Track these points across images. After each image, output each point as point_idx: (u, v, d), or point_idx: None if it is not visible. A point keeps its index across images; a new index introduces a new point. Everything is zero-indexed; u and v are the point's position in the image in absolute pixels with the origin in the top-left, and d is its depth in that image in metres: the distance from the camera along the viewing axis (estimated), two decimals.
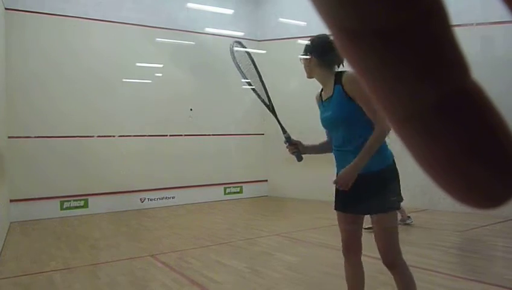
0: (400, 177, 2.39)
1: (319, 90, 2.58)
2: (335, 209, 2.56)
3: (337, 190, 2.45)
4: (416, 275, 3.82)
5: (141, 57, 10.56)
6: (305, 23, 10.59)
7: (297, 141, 2.49)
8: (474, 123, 0.20)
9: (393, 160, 2.38)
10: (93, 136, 9.78)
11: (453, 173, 0.20)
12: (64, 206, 9.30)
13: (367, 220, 2.71)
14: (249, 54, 2.79)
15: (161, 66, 10.86)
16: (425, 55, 0.19)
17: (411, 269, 4.05)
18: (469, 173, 0.20)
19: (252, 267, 4.37)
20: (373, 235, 2.49)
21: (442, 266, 4.14)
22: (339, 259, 4.56)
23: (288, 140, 2.49)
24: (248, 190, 11.81)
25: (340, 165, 2.40)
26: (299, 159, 2.51)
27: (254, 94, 2.82)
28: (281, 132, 2.57)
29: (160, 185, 10.40)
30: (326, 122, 2.47)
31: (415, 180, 8.03)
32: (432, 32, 0.19)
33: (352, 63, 0.20)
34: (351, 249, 2.65)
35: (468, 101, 0.20)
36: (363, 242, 2.66)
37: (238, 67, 2.72)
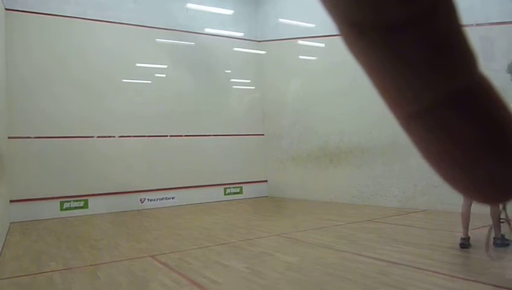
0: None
1: None
2: None
3: None
4: (416, 275, 3.83)
5: (141, 57, 10.56)
6: (305, 23, 10.59)
7: None
8: (486, 117, 0.20)
9: None
10: (93, 136, 9.78)
11: (463, 166, 0.20)
12: (64, 207, 9.30)
13: None
14: None
15: (161, 66, 10.86)
16: (435, 49, 0.19)
17: (411, 269, 4.06)
18: (479, 166, 0.20)
19: (252, 268, 4.37)
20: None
21: (442, 266, 4.13)
22: (339, 259, 4.57)
23: None
24: (248, 190, 11.81)
25: None
26: None
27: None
28: None
29: (160, 185, 10.40)
30: None
31: (414, 181, 8.06)
32: (441, 26, 0.19)
33: (360, 59, 0.20)
34: None
35: (479, 95, 0.20)
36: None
37: None
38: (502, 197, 0.20)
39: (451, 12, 0.19)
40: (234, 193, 11.65)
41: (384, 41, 0.19)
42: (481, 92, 0.20)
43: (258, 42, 12.29)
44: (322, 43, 10.22)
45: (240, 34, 12.01)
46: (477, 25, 6.52)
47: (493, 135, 0.20)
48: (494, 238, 4.75)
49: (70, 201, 9.37)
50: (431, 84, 0.20)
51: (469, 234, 4.85)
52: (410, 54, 0.19)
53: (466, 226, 4.85)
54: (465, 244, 4.84)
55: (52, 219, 8.85)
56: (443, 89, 0.20)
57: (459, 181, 0.21)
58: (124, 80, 10.29)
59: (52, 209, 9.06)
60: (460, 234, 5.24)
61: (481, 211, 6.27)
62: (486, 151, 0.20)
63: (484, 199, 0.21)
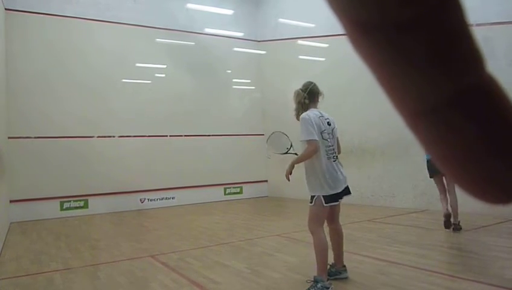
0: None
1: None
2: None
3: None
4: (416, 275, 3.83)
5: (141, 57, 10.56)
6: (305, 23, 10.58)
7: None
8: (493, 116, 0.20)
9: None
10: (93, 136, 9.78)
11: (470, 165, 0.20)
12: (64, 207, 9.30)
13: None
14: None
15: (161, 66, 10.86)
16: (441, 48, 0.19)
17: (411, 269, 4.06)
18: (487, 166, 0.20)
19: (252, 268, 4.37)
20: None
21: (442, 266, 4.14)
22: None
23: None
24: (248, 190, 11.81)
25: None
26: None
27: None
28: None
29: (160, 185, 10.40)
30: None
31: (414, 181, 8.05)
32: (447, 25, 0.19)
33: (365, 57, 0.20)
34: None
35: (485, 94, 0.20)
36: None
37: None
38: (507, 198, 0.20)
39: (457, 10, 0.19)
40: (234, 193, 11.65)
41: (389, 41, 0.19)
42: (488, 91, 0.20)
43: (258, 42, 12.29)
44: (322, 43, 10.21)
45: (239, 34, 12.01)
46: (477, 25, 6.52)
47: (500, 135, 0.20)
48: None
49: (70, 201, 9.37)
50: (437, 84, 0.20)
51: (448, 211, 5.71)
52: (416, 53, 0.19)
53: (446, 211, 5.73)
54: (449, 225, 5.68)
55: (52, 219, 8.86)
56: (449, 88, 0.20)
57: (465, 181, 0.21)
58: (123, 80, 10.29)
59: (52, 209, 9.06)
60: (458, 234, 5.26)
61: (483, 211, 6.26)
62: (493, 151, 0.20)
63: (490, 199, 0.21)
